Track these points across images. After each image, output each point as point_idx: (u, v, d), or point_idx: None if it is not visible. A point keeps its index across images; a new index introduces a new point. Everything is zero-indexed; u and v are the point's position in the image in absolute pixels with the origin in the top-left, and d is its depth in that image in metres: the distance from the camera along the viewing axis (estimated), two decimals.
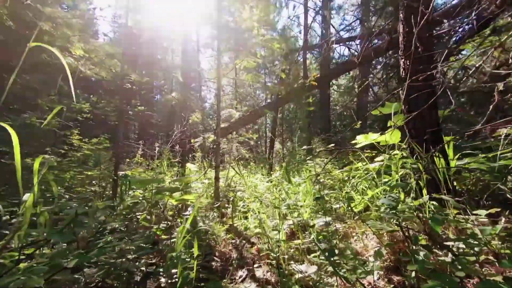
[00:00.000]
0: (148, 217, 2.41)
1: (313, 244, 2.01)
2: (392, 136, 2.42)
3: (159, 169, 5.76)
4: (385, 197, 1.24)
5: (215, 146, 4.76)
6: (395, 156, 1.63)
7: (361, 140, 2.53)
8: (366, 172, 2.05)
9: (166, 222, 2.17)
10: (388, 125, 2.54)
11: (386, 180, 1.65)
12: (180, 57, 4.50)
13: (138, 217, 2.46)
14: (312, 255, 1.64)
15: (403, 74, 1.93)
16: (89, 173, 2.86)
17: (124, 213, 2.30)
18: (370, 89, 8.81)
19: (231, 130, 6.09)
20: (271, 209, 3.20)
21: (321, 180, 2.55)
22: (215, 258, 2.14)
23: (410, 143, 1.78)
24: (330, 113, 12.51)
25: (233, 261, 2.06)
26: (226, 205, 3.99)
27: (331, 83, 13.22)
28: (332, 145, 3.18)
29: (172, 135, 7.20)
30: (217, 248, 2.34)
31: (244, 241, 2.58)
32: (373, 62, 9.25)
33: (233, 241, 2.48)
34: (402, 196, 1.40)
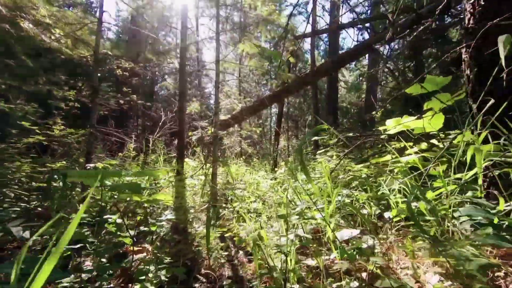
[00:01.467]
0: (120, 220, 1.91)
1: (330, 261, 1.49)
2: (434, 120, 1.88)
3: (153, 164, 5.30)
4: (469, 205, 0.71)
5: (212, 139, 4.26)
6: (475, 139, 1.10)
7: (392, 125, 1.99)
8: (405, 165, 1.51)
9: (136, 228, 1.67)
10: (425, 107, 2.00)
11: (458, 176, 1.12)
12: (180, 45, 4.01)
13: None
14: (335, 285, 1.12)
15: (470, 21, 1.37)
16: (56, 165, 2.37)
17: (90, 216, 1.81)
18: (384, 74, 8.08)
19: (233, 123, 5.58)
20: (275, 208, 2.69)
21: (340, 176, 2.02)
22: (199, 276, 1.63)
23: (479, 122, 1.23)
24: (337, 109, 11.96)
25: (224, 283, 1.55)
26: (224, 205, 3.49)
27: (338, 79, 12.60)
28: (350, 134, 2.64)
29: (170, 128, 6.72)
30: (205, 261, 1.83)
31: (240, 252, 2.07)
32: (385, 52, 8.58)
33: (227, 253, 1.97)
34: (502, 202, 0.86)
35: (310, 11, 7.36)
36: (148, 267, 1.40)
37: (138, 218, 1.68)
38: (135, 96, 4.93)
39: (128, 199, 1.84)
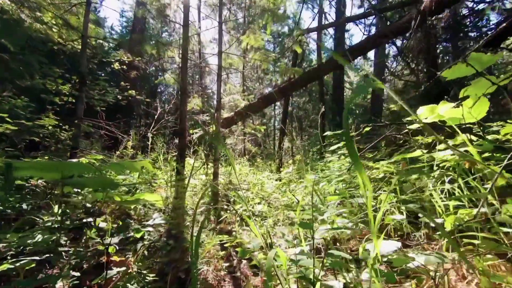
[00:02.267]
0: (104, 224, 1.63)
1: (356, 279, 1.20)
2: (476, 108, 1.58)
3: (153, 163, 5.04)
4: None
5: (214, 136, 3.99)
6: None
7: (425, 114, 1.69)
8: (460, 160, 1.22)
9: (121, 234, 1.39)
10: (462, 95, 1.70)
11: None
12: (182, 35, 3.76)
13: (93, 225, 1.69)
14: None
15: None
16: (35, 160, 2.13)
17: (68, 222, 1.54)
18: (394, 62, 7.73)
19: (236, 119, 5.30)
20: (282, 210, 2.41)
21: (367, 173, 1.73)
22: None
23: None
24: (343, 110, 11.70)
25: None
26: (226, 207, 3.21)
27: (343, 79, 12.32)
28: (375, 124, 2.34)
29: (171, 127, 6.46)
30: (201, 274, 1.55)
31: (243, 261, 1.78)
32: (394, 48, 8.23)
33: (228, 264, 1.69)
34: None
35: (319, 9, 7.10)
36: (129, 284, 1.11)
37: (120, 222, 1.41)
38: (133, 91, 4.69)
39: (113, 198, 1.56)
